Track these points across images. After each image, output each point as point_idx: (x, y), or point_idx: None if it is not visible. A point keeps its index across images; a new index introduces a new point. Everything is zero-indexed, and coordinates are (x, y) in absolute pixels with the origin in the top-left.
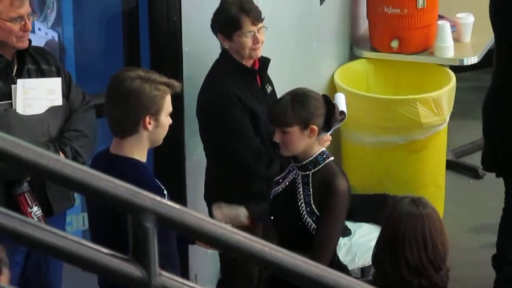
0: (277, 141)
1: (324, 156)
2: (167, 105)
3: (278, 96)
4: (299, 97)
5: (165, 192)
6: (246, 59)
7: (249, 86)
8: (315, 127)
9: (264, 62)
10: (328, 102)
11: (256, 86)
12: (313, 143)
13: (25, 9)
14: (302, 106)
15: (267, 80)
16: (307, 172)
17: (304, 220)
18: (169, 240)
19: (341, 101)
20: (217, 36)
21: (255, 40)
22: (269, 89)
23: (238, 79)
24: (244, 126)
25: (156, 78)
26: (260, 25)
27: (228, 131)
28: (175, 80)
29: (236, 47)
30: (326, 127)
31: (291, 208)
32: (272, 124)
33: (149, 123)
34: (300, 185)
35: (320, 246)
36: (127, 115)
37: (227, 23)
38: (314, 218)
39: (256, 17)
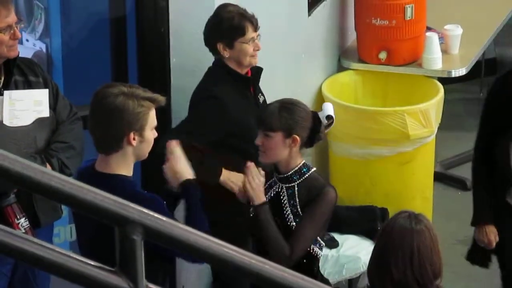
0: (258, 145)
1: (308, 167)
2: (151, 120)
3: None
4: (287, 104)
5: (158, 198)
6: (244, 66)
7: (243, 95)
8: (298, 138)
9: (257, 71)
10: (316, 118)
11: (250, 95)
12: (295, 155)
13: (12, 17)
14: (288, 113)
15: (259, 90)
16: (292, 184)
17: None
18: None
19: (329, 108)
20: (212, 48)
21: (256, 47)
22: (261, 98)
23: (232, 87)
24: (200, 130)
25: (139, 93)
26: (258, 32)
27: (186, 121)
28: (162, 92)
29: (237, 55)
30: (309, 141)
31: (277, 221)
32: (258, 127)
33: (134, 139)
34: (285, 197)
35: (294, 241)
36: (111, 132)
37: (230, 30)
38: None
39: (256, 23)
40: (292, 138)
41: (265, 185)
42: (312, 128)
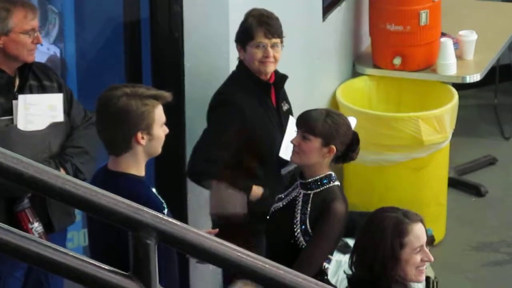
0: (294, 144)
1: (330, 179)
2: (159, 117)
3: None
4: (334, 114)
5: (165, 205)
6: (256, 72)
7: (262, 102)
8: (335, 149)
9: (281, 78)
10: (355, 137)
11: (269, 102)
12: (324, 165)
13: (36, 21)
14: (334, 123)
15: (283, 97)
16: (309, 192)
17: (296, 238)
18: (170, 255)
19: (351, 122)
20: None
21: (266, 53)
22: (285, 107)
23: (251, 93)
24: (223, 137)
25: (143, 92)
26: (275, 40)
27: (209, 131)
28: (175, 96)
29: (248, 58)
30: (341, 158)
31: (286, 224)
32: (298, 126)
33: (142, 138)
34: (299, 203)
35: (303, 262)
36: (118, 135)
37: (242, 32)
38: (307, 238)
39: (271, 31)
40: (328, 148)
41: (288, 188)
42: (349, 145)
